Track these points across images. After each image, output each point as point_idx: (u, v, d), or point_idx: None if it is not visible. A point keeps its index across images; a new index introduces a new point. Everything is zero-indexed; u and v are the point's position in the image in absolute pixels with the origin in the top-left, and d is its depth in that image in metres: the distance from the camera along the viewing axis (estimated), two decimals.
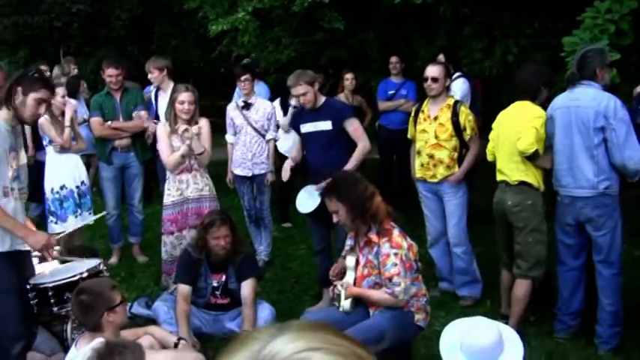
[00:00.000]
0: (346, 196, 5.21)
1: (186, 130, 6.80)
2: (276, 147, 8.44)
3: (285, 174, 7.06)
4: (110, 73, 8.15)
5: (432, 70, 6.82)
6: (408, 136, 7.24)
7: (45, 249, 5.13)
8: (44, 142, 7.80)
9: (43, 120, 7.37)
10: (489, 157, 6.42)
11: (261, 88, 9.38)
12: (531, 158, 5.91)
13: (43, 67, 10.19)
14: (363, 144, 6.74)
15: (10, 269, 4.92)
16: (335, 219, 5.33)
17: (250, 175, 8.06)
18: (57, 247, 5.85)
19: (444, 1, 9.04)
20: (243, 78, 8.03)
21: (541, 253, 6.09)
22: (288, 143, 8.44)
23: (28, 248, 5.08)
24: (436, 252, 7.17)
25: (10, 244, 4.91)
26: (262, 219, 8.20)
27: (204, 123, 7.06)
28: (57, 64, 11.68)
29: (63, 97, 7.65)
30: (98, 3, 16.33)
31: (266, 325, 5.64)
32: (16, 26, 16.28)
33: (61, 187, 7.57)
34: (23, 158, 5.36)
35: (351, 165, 6.55)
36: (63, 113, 7.63)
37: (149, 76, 8.56)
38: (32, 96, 4.92)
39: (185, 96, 6.90)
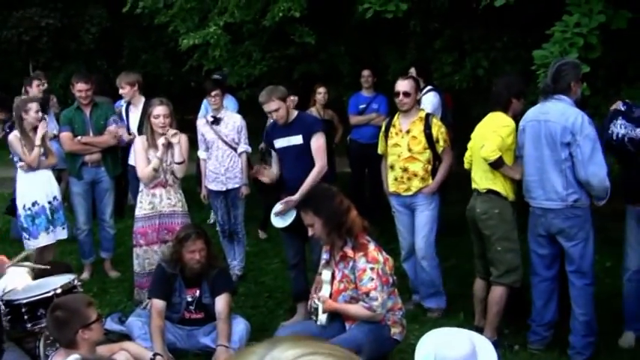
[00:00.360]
0: (322, 210, 5.23)
1: (175, 134, 6.88)
2: (249, 159, 8.41)
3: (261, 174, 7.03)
4: (80, 88, 8.09)
5: (403, 85, 6.83)
6: (379, 151, 7.25)
7: None
8: (14, 159, 7.71)
9: (13, 137, 7.32)
10: (466, 166, 6.48)
11: (229, 101, 9.36)
12: (495, 166, 5.98)
13: (42, 80, 10.10)
14: (319, 164, 6.67)
15: None
16: (310, 232, 5.35)
17: (224, 189, 8.03)
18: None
19: (415, 16, 9.09)
20: (213, 93, 8.01)
21: (512, 261, 6.16)
22: None
23: None
24: (409, 265, 7.17)
25: None
26: (236, 233, 8.17)
27: (182, 137, 7.08)
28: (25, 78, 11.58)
29: (37, 112, 7.58)
30: (67, 17, 16.27)
31: (242, 341, 5.65)
32: None
33: (33, 204, 7.49)
34: None
35: (306, 186, 6.49)
36: (35, 129, 7.55)
37: (120, 91, 8.52)
38: None
39: (160, 109, 6.92)
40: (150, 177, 7.04)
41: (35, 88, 9.50)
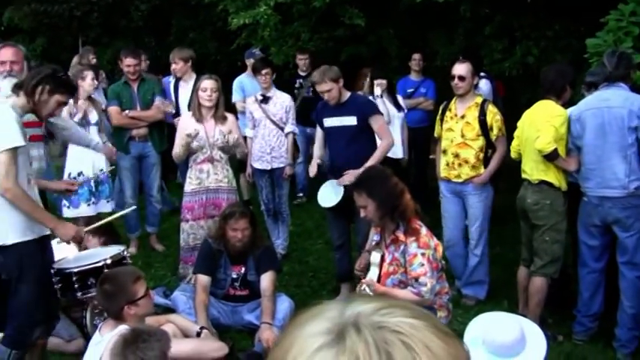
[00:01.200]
0: (376, 192, 5.19)
1: (188, 135, 6.98)
2: (295, 140, 8.44)
3: (313, 170, 7.09)
4: (128, 63, 8.20)
5: (460, 69, 6.74)
6: (435, 134, 7.20)
7: (74, 240, 5.17)
8: None
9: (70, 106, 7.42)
10: (513, 155, 6.42)
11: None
12: (550, 158, 5.90)
13: (91, 56, 10.25)
14: (387, 141, 6.75)
15: (38, 256, 4.95)
16: (362, 214, 5.30)
17: (269, 168, 8.06)
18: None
19: (465, 1, 9.02)
20: (264, 72, 8.03)
21: (557, 252, 6.10)
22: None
23: (49, 232, 5.09)
24: (452, 253, 7.10)
25: (38, 232, 4.94)
26: (280, 213, 8.20)
27: (232, 121, 7.24)
28: (76, 54, 11.70)
29: (92, 79, 7.77)
30: None
31: (286, 319, 5.66)
32: (35, 14, 16.25)
33: (78, 174, 7.59)
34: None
35: (373, 161, 6.53)
36: (89, 98, 7.70)
37: (173, 66, 8.59)
38: (56, 97, 4.94)
39: (208, 83, 6.99)
40: (178, 157, 7.24)
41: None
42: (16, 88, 4.99)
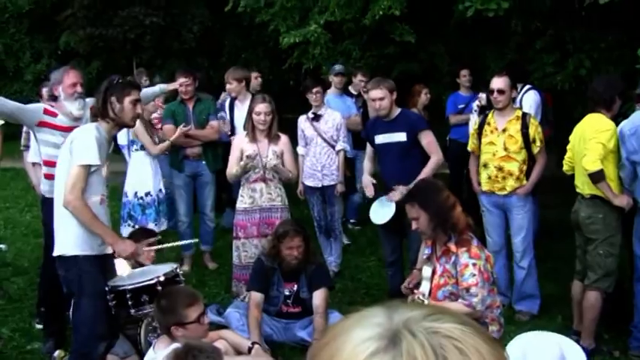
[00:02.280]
0: (429, 204, 5.18)
1: (248, 156, 7.00)
2: (346, 157, 8.47)
3: (370, 190, 7.09)
4: (181, 82, 8.30)
5: (498, 82, 6.74)
6: (469, 148, 7.20)
7: (131, 257, 5.27)
8: (134, 147, 8.06)
9: (138, 125, 7.54)
10: (565, 168, 6.36)
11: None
12: (594, 179, 5.79)
13: (144, 78, 10.52)
14: (436, 157, 6.75)
15: (99, 272, 5.09)
16: (414, 226, 5.28)
17: (320, 186, 8.12)
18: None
19: (516, 15, 8.98)
20: (314, 90, 8.12)
21: (610, 265, 6.01)
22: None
23: (111, 252, 5.21)
24: (495, 266, 7.04)
25: (99, 249, 5.07)
26: (332, 230, 8.24)
27: (284, 141, 7.24)
28: (129, 76, 11.94)
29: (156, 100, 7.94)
30: (170, 16, 16.63)
31: None
32: (90, 38, 16.65)
33: (146, 194, 7.78)
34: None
35: (422, 176, 6.52)
36: (152, 120, 7.91)
37: (227, 86, 8.68)
38: (127, 100, 5.11)
39: (262, 107, 7.05)
40: (232, 178, 7.30)
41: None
42: (94, 117, 5.23)
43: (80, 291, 5.03)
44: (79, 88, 6.05)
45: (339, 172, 8.14)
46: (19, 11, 19.51)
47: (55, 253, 5.08)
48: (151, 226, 7.67)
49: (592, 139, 5.82)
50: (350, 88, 10.13)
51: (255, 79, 10.15)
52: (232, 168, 7.20)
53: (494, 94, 6.73)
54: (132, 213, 7.79)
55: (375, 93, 6.76)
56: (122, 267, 5.85)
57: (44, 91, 6.85)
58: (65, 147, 5.05)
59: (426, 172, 6.63)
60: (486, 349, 1.08)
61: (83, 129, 5.14)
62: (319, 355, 1.14)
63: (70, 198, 4.87)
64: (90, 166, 4.93)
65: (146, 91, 7.22)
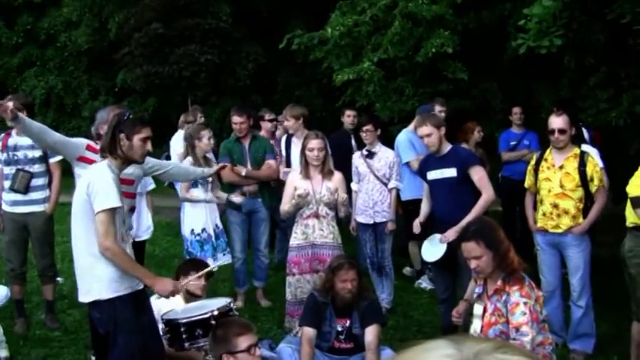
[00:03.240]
0: (494, 242, 5.11)
1: (299, 195, 7.15)
2: (398, 195, 8.50)
3: (416, 229, 7.15)
4: (235, 121, 8.41)
5: (558, 122, 6.64)
6: (525, 184, 7.14)
7: (172, 295, 5.30)
8: (178, 185, 8.21)
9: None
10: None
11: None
12: (635, 204, 5.70)
13: (199, 114, 10.70)
14: (487, 193, 6.74)
15: (132, 308, 5.10)
16: (474, 264, 5.16)
17: (372, 222, 8.17)
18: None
19: (569, 51, 8.97)
20: (365, 128, 8.21)
21: None
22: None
23: (142, 286, 5.25)
24: (549, 306, 6.91)
25: (132, 286, 5.11)
26: (383, 267, 8.25)
27: (338, 178, 7.34)
28: (184, 113, 12.15)
29: (209, 139, 8.10)
30: (225, 54, 16.90)
31: None
32: (147, 76, 17.00)
33: (202, 230, 7.89)
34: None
35: (473, 214, 6.53)
36: (204, 157, 8.05)
37: (285, 123, 8.78)
38: (136, 138, 5.08)
39: (315, 143, 7.15)
40: (285, 215, 7.45)
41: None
42: (103, 152, 5.18)
43: (115, 330, 5.02)
44: None
45: (390, 210, 8.18)
46: (77, 49, 20.06)
47: (89, 299, 5.08)
48: (210, 261, 7.64)
49: None
50: None
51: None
52: (285, 205, 7.31)
53: (555, 134, 6.64)
54: (190, 250, 7.89)
55: (422, 130, 6.82)
56: (176, 301, 5.94)
57: (92, 129, 7.01)
58: (81, 189, 5.00)
59: (477, 209, 6.64)
60: None
61: (97, 170, 5.07)
62: None
63: (108, 244, 4.87)
64: (114, 209, 4.93)
65: (188, 168, 7.27)
